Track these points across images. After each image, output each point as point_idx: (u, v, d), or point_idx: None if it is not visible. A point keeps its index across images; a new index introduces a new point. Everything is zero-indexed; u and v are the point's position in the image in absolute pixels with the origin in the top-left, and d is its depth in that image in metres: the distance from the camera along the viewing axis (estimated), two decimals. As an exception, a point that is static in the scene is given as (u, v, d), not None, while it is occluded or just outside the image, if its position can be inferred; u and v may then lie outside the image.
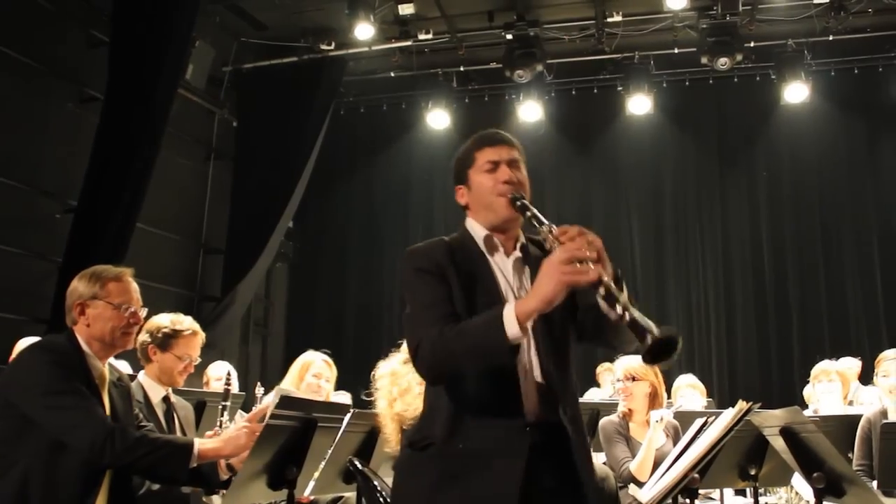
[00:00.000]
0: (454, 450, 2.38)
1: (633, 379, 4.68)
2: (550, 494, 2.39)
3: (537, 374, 2.43)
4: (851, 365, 6.92)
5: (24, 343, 4.49)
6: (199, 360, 4.04)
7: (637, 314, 2.16)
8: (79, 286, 3.13)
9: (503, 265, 2.56)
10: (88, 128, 7.57)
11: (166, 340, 3.90)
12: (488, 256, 2.56)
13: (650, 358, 2.14)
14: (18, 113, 7.51)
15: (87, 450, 2.83)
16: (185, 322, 3.98)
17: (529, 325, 2.31)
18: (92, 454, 2.83)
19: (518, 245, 2.58)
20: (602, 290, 2.19)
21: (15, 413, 2.87)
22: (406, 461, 2.51)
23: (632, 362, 4.76)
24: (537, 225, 2.39)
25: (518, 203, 2.46)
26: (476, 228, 2.61)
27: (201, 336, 4.02)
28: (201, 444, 2.98)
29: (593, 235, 2.28)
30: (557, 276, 2.19)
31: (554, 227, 2.33)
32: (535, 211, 2.43)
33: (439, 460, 2.40)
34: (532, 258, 2.57)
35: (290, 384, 4.83)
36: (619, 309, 2.17)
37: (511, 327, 2.21)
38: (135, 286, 3.19)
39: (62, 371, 2.92)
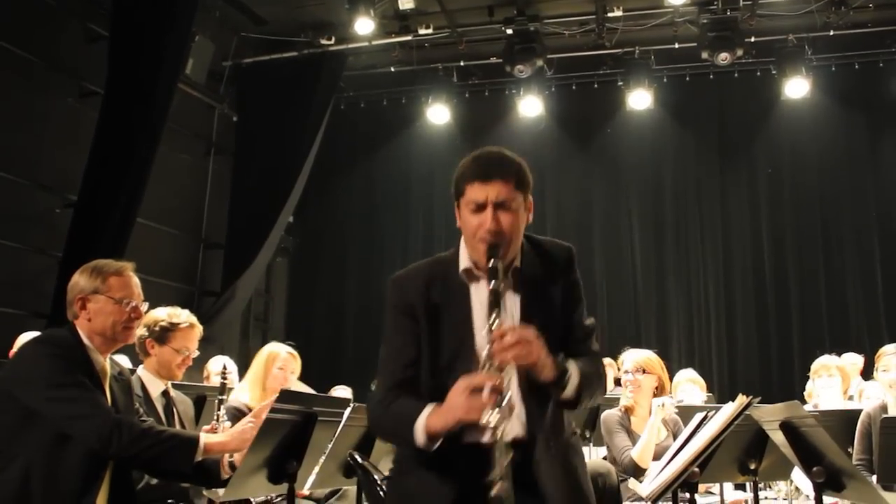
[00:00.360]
0: (402, 486, 2.50)
1: (644, 371, 4.72)
2: None
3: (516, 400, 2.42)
4: (855, 361, 6.91)
5: (25, 338, 4.50)
6: (198, 352, 4.04)
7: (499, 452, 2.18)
8: (80, 280, 3.13)
9: (484, 296, 2.43)
10: (88, 123, 7.56)
11: (163, 334, 3.91)
12: (469, 286, 2.51)
13: None
14: (18, 108, 7.50)
15: (94, 441, 2.83)
16: (182, 315, 4.00)
17: None
18: (99, 445, 2.83)
19: (510, 271, 2.49)
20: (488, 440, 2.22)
21: (16, 407, 2.87)
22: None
23: (641, 354, 4.83)
24: (490, 300, 2.35)
25: (490, 263, 2.38)
26: (463, 255, 2.55)
27: (199, 329, 4.04)
28: (207, 437, 2.98)
29: (529, 344, 2.27)
30: (457, 407, 2.23)
31: (500, 318, 2.30)
32: (500, 285, 2.37)
33: (392, 494, 2.56)
34: (527, 281, 2.51)
35: (255, 376, 4.73)
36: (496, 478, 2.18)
37: (419, 438, 2.31)
38: (136, 280, 3.19)
39: (64, 363, 2.92)
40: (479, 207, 2.42)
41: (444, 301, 2.48)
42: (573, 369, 2.37)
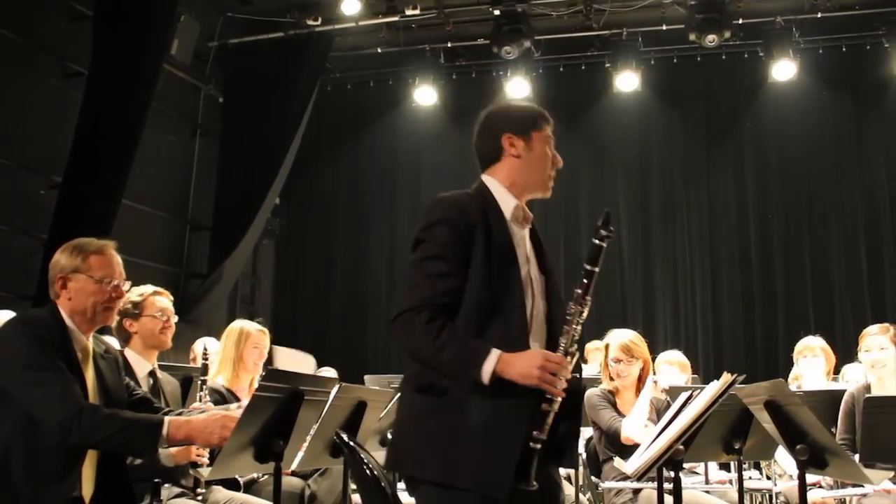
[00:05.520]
0: (473, 401, 2.43)
1: (633, 356, 4.59)
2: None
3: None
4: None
5: (2, 317, 4.47)
6: (176, 318, 4.04)
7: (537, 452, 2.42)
8: (61, 259, 3.09)
9: (520, 235, 2.61)
10: (73, 103, 7.52)
11: (136, 307, 3.91)
12: (510, 224, 2.58)
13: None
14: (2, 88, 7.43)
15: (55, 428, 2.80)
16: (145, 286, 4.01)
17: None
18: (60, 432, 2.80)
19: (530, 217, 2.66)
20: (546, 407, 2.43)
21: None
22: (422, 405, 2.51)
23: (626, 337, 4.68)
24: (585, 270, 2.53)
25: (600, 237, 2.54)
26: (500, 191, 2.62)
27: (168, 295, 4.05)
28: (174, 427, 2.90)
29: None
30: (537, 376, 2.38)
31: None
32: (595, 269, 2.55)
33: (459, 406, 2.44)
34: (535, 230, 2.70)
35: (227, 356, 4.60)
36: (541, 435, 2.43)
37: (486, 375, 2.36)
38: (118, 259, 3.15)
39: (40, 345, 2.88)
40: (551, 146, 2.68)
41: (498, 232, 2.53)
42: None
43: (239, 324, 4.79)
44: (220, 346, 4.71)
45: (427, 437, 2.46)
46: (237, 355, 4.60)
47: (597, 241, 2.52)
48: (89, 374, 3.05)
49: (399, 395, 2.67)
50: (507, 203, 2.60)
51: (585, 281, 2.51)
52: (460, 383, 2.40)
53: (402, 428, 2.58)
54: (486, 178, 2.66)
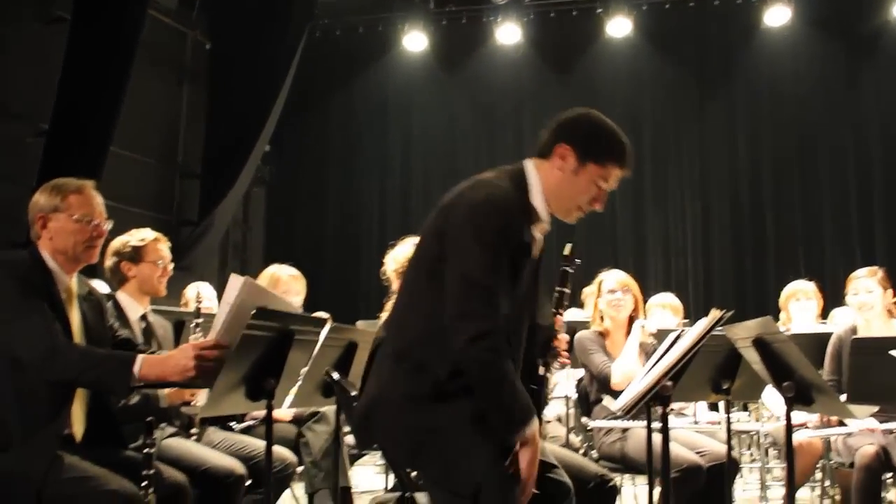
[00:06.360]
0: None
1: (629, 291, 4.60)
2: None
3: None
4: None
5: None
6: (172, 267, 4.06)
7: None
8: (40, 199, 3.06)
9: (537, 241, 2.59)
10: (57, 49, 7.39)
11: (137, 252, 3.91)
12: (533, 234, 2.55)
13: None
14: (-17, 34, 7.33)
15: (31, 367, 2.80)
16: (147, 231, 4.03)
17: None
18: (35, 371, 2.80)
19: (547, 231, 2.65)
20: None
21: None
22: (423, 390, 2.43)
23: (622, 274, 4.71)
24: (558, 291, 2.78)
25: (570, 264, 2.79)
26: (536, 192, 2.55)
27: (166, 241, 4.06)
28: (147, 365, 2.82)
29: None
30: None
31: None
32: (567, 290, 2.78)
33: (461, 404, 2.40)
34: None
35: None
36: None
37: (519, 438, 2.32)
38: (98, 199, 3.14)
39: (20, 285, 2.87)
40: (601, 188, 2.58)
41: (528, 247, 2.51)
42: None
43: (271, 269, 4.84)
44: None
45: (429, 433, 2.43)
46: None
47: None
48: (74, 315, 3.05)
49: (387, 363, 2.60)
50: (541, 211, 2.55)
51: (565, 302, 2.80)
52: (501, 425, 2.35)
53: (391, 405, 2.51)
54: (530, 170, 2.60)
